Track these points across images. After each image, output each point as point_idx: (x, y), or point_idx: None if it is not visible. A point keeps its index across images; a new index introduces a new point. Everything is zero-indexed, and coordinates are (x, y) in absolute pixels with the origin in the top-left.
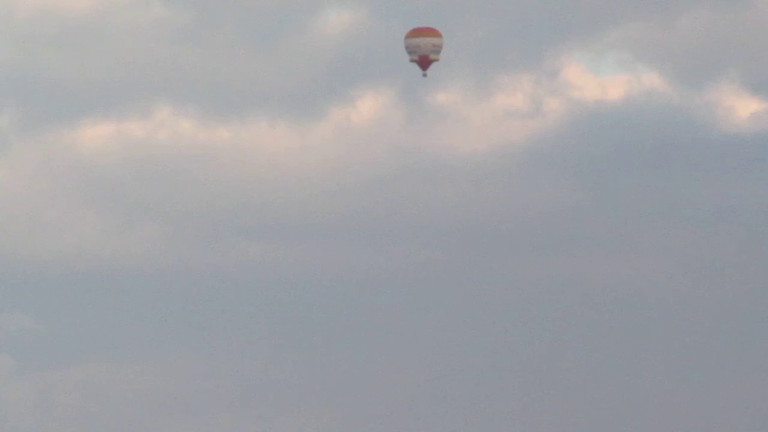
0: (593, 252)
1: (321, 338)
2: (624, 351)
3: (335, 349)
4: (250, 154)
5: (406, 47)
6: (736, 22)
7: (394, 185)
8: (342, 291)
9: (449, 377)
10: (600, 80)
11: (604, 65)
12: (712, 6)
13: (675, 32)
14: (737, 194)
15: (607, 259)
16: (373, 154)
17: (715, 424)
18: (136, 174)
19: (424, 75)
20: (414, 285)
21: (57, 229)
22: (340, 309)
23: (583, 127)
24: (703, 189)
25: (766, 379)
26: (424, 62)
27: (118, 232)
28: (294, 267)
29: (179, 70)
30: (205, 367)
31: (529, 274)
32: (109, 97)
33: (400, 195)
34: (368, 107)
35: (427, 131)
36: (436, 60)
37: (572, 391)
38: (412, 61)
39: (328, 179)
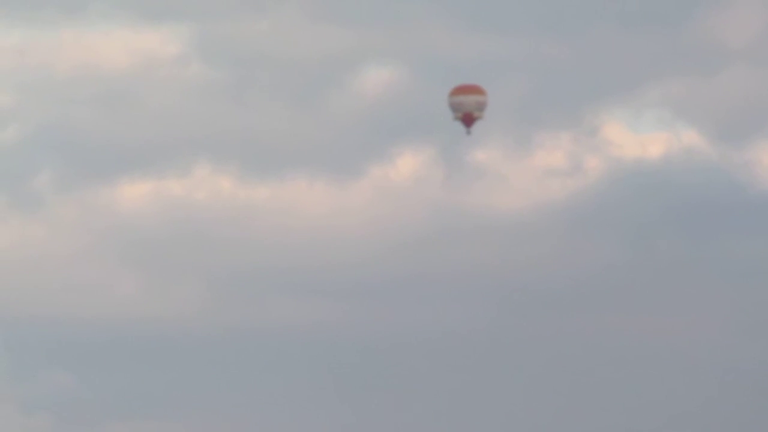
0: (635, 311)
1: (364, 400)
2: (672, 409)
3: (379, 411)
4: (289, 213)
5: (450, 105)
6: None
7: (434, 245)
8: (385, 352)
9: None
10: (640, 138)
11: (643, 123)
12: (752, 63)
13: (714, 89)
14: None
15: (648, 317)
16: (412, 213)
17: None
18: (174, 233)
19: (468, 133)
20: (458, 345)
21: (96, 288)
22: (383, 370)
23: (623, 185)
24: (743, 247)
25: None
26: (468, 120)
27: (157, 291)
28: (336, 328)
29: (218, 127)
30: (246, 429)
31: (571, 333)
32: (147, 155)
33: (441, 255)
34: (407, 165)
35: (467, 189)
36: (481, 117)
37: None
38: (456, 119)
39: (367, 239)
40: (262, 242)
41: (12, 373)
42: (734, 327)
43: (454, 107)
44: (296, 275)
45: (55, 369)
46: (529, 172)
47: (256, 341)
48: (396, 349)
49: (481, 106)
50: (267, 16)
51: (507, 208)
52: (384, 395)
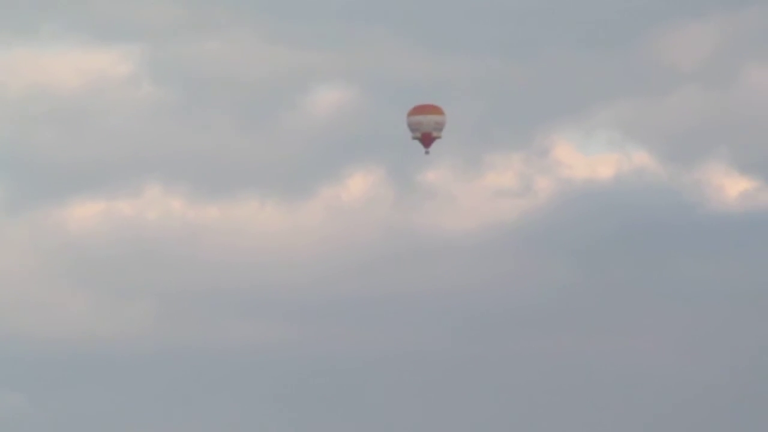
0: (585, 331)
1: (309, 419)
2: (624, 428)
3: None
4: (239, 233)
5: (409, 125)
6: (725, 100)
7: (385, 266)
8: (332, 373)
9: None
10: (590, 159)
11: (594, 144)
12: (702, 84)
13: (664, 111)
14: (726, 273)
15: (598, 338)
16: (363, 233)
17: None
18: (125, 252)
19: (427, 152)
20: (410, 366)
21: (47, 307)
22: (330, 391)
23: (573, 206)
24: (692, 268)
25: None
26: (427, 140)
27: (109, 311)
28: (284, 348)
29: (169, 148)
30: None
31: (521, 353)
32: (98, 175)
33: (392, 276)
34: (358, 186)
35: (417, 210)
36: (439, 137)
37: None
38: (414, 138)
39: (319, 260)
40: (213, 262)
41: None
42: (684, 346)
43: (413, 127)
44: (247, 295)
45: (4, 389)
46: (480, 192)
47: (207, 360)
48: (347, 370)
49: (440, 126)
50: (218, 37)
51: (457, 229)
52: (333, 416)
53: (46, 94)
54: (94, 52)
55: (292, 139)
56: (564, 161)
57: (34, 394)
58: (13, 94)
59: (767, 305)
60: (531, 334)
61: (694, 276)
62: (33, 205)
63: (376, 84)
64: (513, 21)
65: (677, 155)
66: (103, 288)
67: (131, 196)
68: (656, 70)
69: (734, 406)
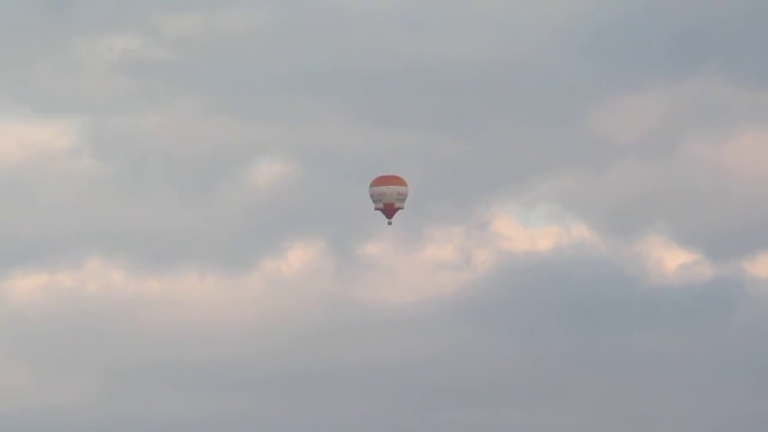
0: (525, 403)
1: None
2: None
3: None
4: (180, 306)
5: (372, 195)
6: (663, 172)
7: (325, 340)
8: None
9: None
10: (530, 232)
11: (534, 217)
12: (640, 157)
13: (603, 184)
14: (666, 345)
15: (538, 410)
16: (304, 306)
17: None
18: (67, 325)
19: (389, 223)
20: None
21: None
22: None
23: (513, 279)
24: (632, 340)
25: None
26: (389, 210)
27: (49, 383)
28: (226, 422)
29: (110, 220)
30: None
31: (461, 425)
32: (39, 248)
33: (332, 350)
34: (298, 259)
35: (358, 283)
36: (401, 208)
37: None
38: (377, 209)
39: (259, 333)
40: (154, 335)
41: None
42: (626, 416)
43: (375, 197)
44: (188, 369)
45: None
46: (420, 265)
47: None
48: None
49: (402, 197)
50: (160, 110)
51: (398, 302)
52: None
53: None
54: (34, 124)
55: (232, 211)
56: (504, 234)
57: None
58: None
59: (707, 375)
60: (470, 407)
61: (634, 348)
62: None
63: (317, 157)
64: (453, 95)
65: (616, 228)
66: (44, 361)
67: (72, 268)
68: (595, 144)
69: None
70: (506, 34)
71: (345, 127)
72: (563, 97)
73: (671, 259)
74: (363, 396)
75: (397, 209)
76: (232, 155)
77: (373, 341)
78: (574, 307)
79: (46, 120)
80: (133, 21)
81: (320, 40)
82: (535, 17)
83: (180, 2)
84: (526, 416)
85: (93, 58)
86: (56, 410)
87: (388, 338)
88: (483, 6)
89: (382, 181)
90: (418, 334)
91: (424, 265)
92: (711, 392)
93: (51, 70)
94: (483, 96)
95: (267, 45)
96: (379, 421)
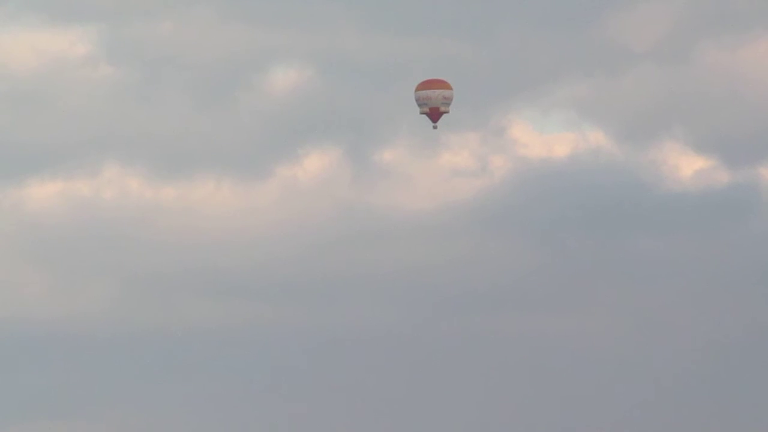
0: (542, 309)
1: (276, 401)
2: (580, 407)
3: (295, 412)
4: (196, 213)
5: (417, 99)
6: (679, 79)
7: (341, 246)
8: (294, 352)
9: None
10: (546, 138)
11: (550, 123)
12: (656, 64)
13: (620, 90)
14: (681, 251)
15: (555, 316)
16: (320, 214)
17: None
18: (83, 233)
19: (435, 127)
20: (368, 345)
21: (4, 288)
22: (292, 371)
23: (529, 185)
24: (648, 246)
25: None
26: (435, 114)
27: (66, 291)
28: (245, 329)
29: (126, 128)
30: (156, 427)
31: (483, 333)
32: (56, 155)
33: (348, 256)
34: (315, 166)
35: (374, 190)
36: (447, 112)
37: None
38: (422, 113)
39: (275, 240)
40: (170, 242)
41: None
42: (641, 323)
43: (421, 102)
44: (204, 275)
45: None
46: (436, 172)
47: (164, 341)
48: (307, 350)
49: (448, 101)
50: (175, 18)
51: (414, 209)
52: (298, 395)
53: (2, 75)
54: (50, 33)
55: (248, 119)
56: (520, 141)
57: None
58: None
59: (723, 283)
60: (485, 312)
61: (650, 254)
62: None
63: (333, 65)
64: (469, 2)
65: (633, 135)
66: (60, 268)
67: (88, 176)
68: (611, 50)
69: (691, 382)
70: None
71: (360, 33)
72: (580, 3)
73: (687, 165)
74: (379, 302)
75: (442, 113)
76: (248, 62)
77: (389, 248)
78: (590, 213)
79: (63, 28)
80: None
81: None
82: None
83: None
84: (541, 321)
85: None
86: (72, 318)
87: (404, 245)
88: None
89: (427, 84)
90: (433, 240)
91: (440, 172)
92: (727, 298)
93: None
94: (500, 2)
95: None
96: (396, 327)
